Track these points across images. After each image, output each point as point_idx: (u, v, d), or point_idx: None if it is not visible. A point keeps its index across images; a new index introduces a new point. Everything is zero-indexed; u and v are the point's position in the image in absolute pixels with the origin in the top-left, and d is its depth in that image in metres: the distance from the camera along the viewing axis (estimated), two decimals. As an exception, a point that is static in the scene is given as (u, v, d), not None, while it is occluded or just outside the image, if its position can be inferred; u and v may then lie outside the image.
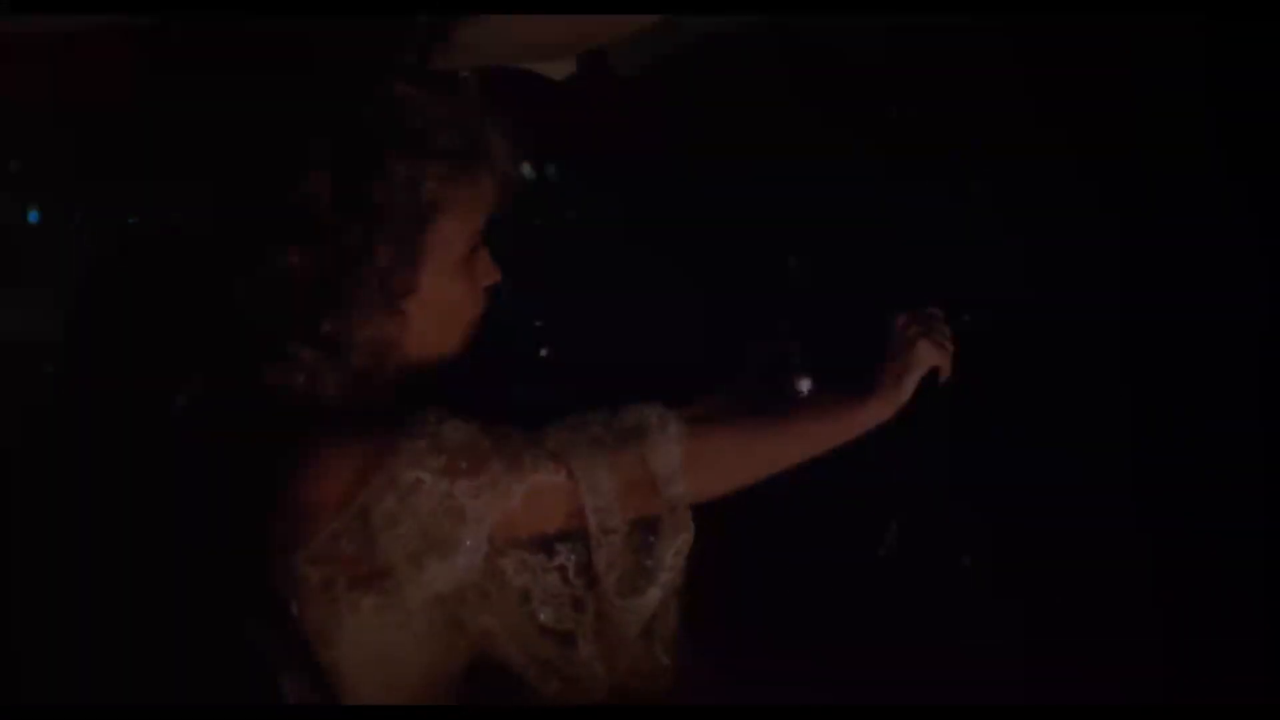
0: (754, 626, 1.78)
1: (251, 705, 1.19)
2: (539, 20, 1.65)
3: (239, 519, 1.25)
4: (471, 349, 1.40)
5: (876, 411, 1.41)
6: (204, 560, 1.20)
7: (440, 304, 1.34)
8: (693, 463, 1.31)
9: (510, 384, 2.17)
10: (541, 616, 1.30)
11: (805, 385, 1.61)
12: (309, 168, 1.25)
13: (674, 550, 1.30)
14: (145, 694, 1.17)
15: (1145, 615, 1.47)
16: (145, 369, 1.33)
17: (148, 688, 1.17)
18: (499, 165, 1.34)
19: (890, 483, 1.59)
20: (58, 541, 1.21)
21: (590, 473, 1.27)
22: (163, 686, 1.17)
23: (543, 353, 2.20)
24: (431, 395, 1.40)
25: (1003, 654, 1.58)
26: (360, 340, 1.29)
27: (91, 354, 1.35)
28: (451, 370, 1.39)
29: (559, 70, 2.01)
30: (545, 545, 1.30)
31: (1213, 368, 1.54)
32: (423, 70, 1.54)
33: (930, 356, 1.43)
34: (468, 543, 1.23)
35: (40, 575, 1.19)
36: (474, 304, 1.38)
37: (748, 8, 1.88)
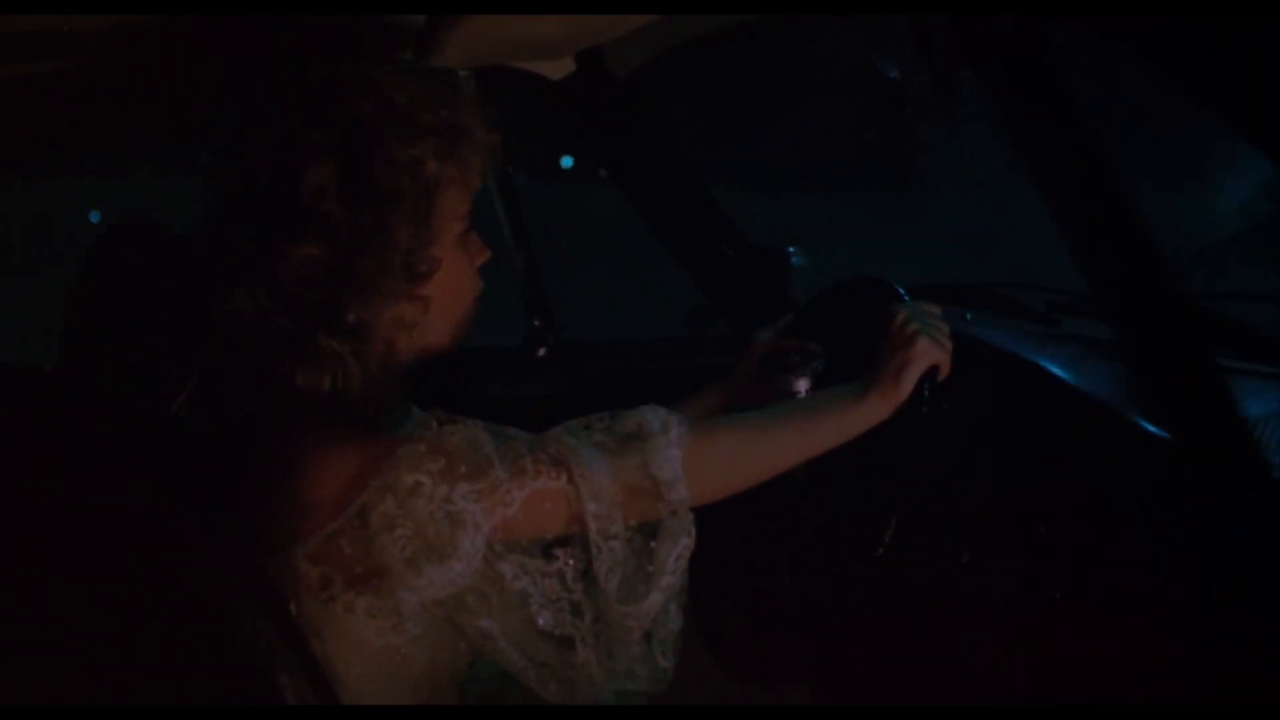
0: (753, 627, 1.77)
1: (251, 705, 1.19)
2: (536, 20, 1.65)
3: (239, 514, 1.25)
4: (469, 347, 1.41)
5: (875, 409, 1.41)
6: (204, 554, 1.20)
7: (453, 283, 1.35)
8: (694, 466, 1.31)
9: (509, 383, 2.18)
10: (540, 620, 1.30)
11: (804, 383, 1.61)
12: (311, 160, 1.25)
13: (675, 555, 1.30)
14: (143, 693, 1.17)
15: (1147, 613, 1.47)
16: (150, 370, 1.33)
17: (145, 686, 1.17)
18: (481, 138, 1.35)
19: (889, 480, 1.58)
20: (54, 536, 1.20)
21: (592, 478, 1.27)
22: (161, 685, 1.17)
23: (541, 352, 2.20)
24: (431, 392, 1.40)
25: (1002, 651, 1.58)
26: (383, 327, 1.30)
27: (93, 353, 1.35)
28: (451, 368, 1.39)
29: (556, 70, 2.01)
30: (544, 549, 1.30)
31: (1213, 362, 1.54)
32: (413, 65, 1.54)
33: (929, 354, 1.43)
34: (466, 547, 1.23)
35: (36, 570, 1.19)
36: (475, 283, 1.40)
37: (747, 8, 1.88)
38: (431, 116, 1.30)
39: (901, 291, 1.64)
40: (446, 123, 1.31)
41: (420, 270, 1.31)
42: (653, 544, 1.30)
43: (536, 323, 2.22)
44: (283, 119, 1.28)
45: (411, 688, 1.34)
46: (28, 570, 1.17)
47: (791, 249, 2.19)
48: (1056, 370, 1.70)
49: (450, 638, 1.34)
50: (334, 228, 1.25)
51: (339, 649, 1.27)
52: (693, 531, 1.31)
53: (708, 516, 1.33)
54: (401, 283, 1.30)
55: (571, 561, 1.29)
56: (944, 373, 1.46)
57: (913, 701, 1.63)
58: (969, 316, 1.95)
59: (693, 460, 1.30)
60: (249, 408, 1.30)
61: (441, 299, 1.34)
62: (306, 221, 1.25)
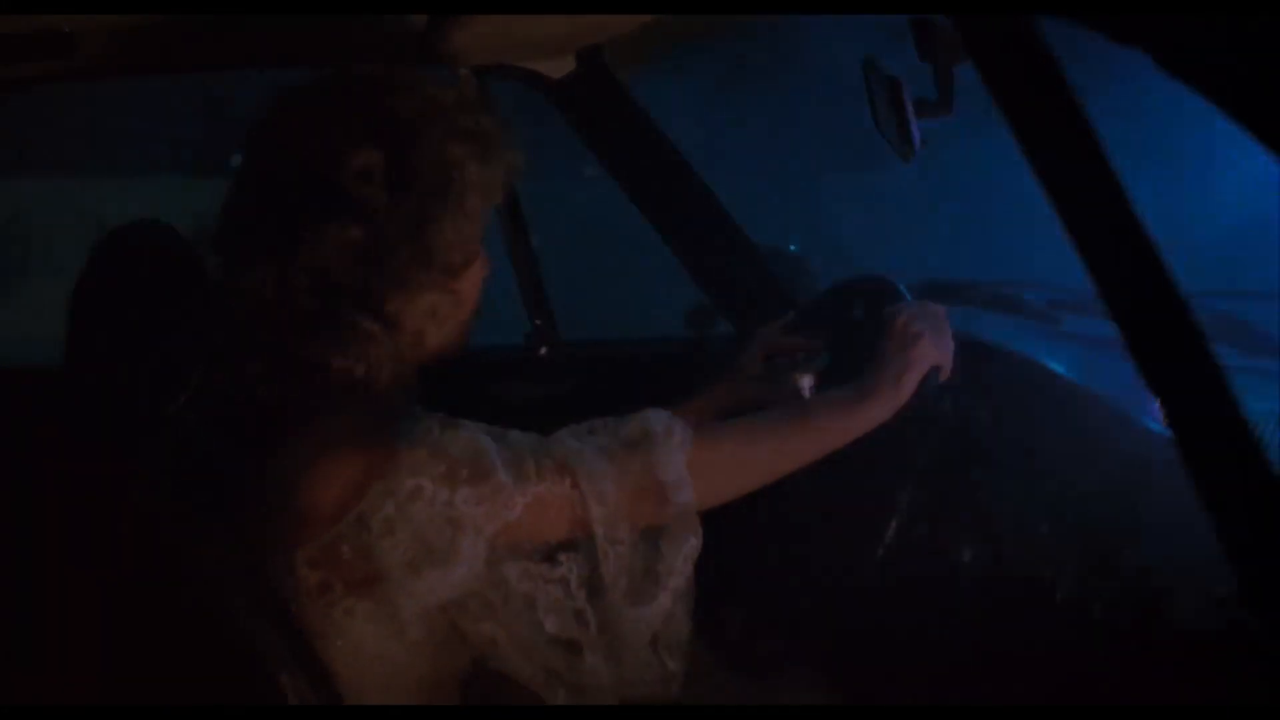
0: (754, 626, 1.77)
1: (251, 705, 1.19)
2: (536, 19, 1.65)
3: (240, 516, 1.24)
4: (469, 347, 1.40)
5: (877, 411, 1.41)
6: (204, 556, 1.20)
7: (473, 287, 1.34)
8: (699, 469, 1.30)
9: (510, 383, 2.17)
10: (547, 625, 1.28)
11: (807, 381, 1.61)
12: (358, 145, 1.23)
13: (683, 557, 1.30)
14: (144, 693, 1.17)
15: (1148, 613, 1.47)
16: (151, 370, 1.32)
17: (146, 686, 1.17)
18: (508, 156, 1.34)
19: (891, 480, 1.58)
20: (55, 536, 1.20)
21: (596, 483, 1.26)
22: (161, 685, 1.17)
23: (542, 352, 2.20)
24: (432, 392, 1.39)
25: (1003, 651, 1.58)
26: (415, 317, 1.29)
27: (100, 343, 1.34)
28: (451, 367, 1.38)
29: (556, 70, 2.01)
30: (548, 555, 1.29)
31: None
32: (423, 67, 1.54)
33: (931, 355, 1.43)
34: (466, 552, 1.22)
35: (38, 570, 1.19)
36: (479, 293, 1.38)
37: (747, 8, 1.88)
38: (471, 123, 1.29)
39: (904, 291, 1.64)
40: (484, 130, 1.30)
41: (456, 263, 1.29)
42: (660, 546, 1.30)
43: (537, 322, 2.22)
44: (328, 105, 1.27)
45: (412, 695, 1.33)
46: (29, 570, 1.17)
47: (793, 248, 2.19)
48: (1058, 369, 1.69)
49: (452, 644, 1.33)
50: (375, 213, 1.23)
51: (339, 654, 1.26)
52: (700, 533, 1.30)
53: (708, 516, 1.33)
54: (436, 275, 1.28)
55: (575, 567, 1.28)
56: (945, 373, 1.46)
57: (913, 701, 1.62)
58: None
59: (697, 463, 1.30)
60: (267, 388, 1.28)
61: (469, 296, 1.33)
62: (347, 205, 1.23)
